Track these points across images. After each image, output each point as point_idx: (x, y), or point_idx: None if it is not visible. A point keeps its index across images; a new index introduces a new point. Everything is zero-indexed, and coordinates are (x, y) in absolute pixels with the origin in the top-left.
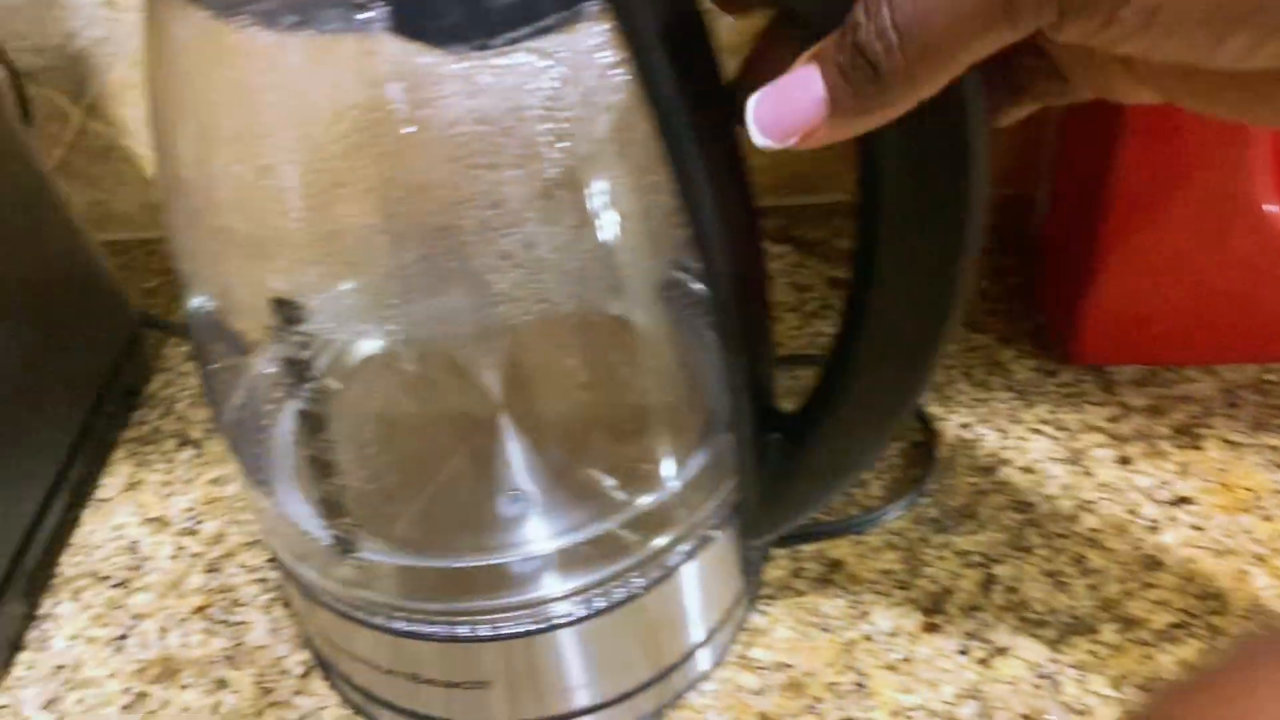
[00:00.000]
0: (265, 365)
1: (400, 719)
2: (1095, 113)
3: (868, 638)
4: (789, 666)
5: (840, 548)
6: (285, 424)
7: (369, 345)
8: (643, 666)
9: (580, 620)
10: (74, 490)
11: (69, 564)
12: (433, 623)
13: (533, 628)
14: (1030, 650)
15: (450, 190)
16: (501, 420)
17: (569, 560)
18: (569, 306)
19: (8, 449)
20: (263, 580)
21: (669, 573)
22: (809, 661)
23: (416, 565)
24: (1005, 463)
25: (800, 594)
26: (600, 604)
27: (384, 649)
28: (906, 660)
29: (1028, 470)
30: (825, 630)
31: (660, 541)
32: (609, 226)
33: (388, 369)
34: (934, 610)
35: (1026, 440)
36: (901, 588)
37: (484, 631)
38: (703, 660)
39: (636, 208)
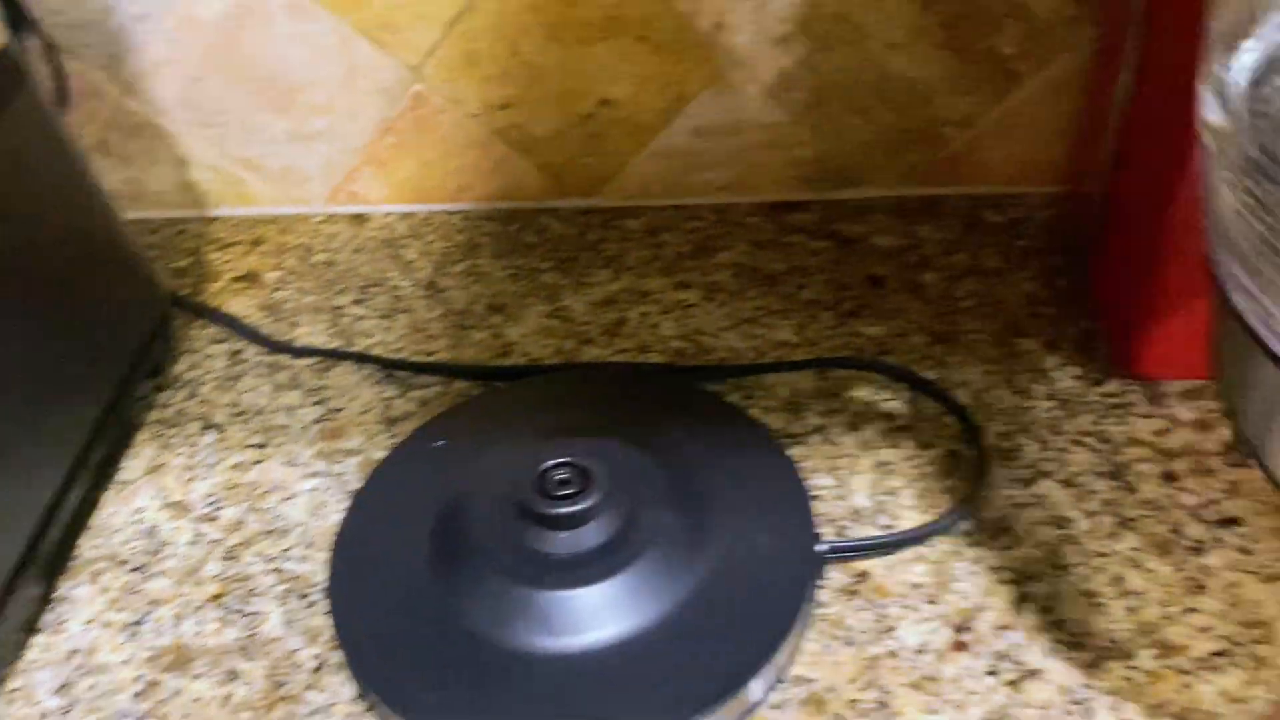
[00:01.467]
0: None
1: None
2: (1164, 107)
3: (893, 654)
4: (809, 681)
5: (867, 557)
6: None
7: None
8: None
9: None
10: (96, 471)
11: (88, 546)
12: None
13: None
14: (1063, 674)
15: None
16: None
17: None
18: None
19: (32, 428)
20: (278, 570)
21: None
22: (830, 676)
23: None
24: (1045, 475)
25: (823, 605)
26: None
27: None
28: (932, 679)
29: (1068, 484)
30: (849, 644)
31: None
32: None
33: None
34: (964, 628)
35: (1068, 452)
36: (931, 603)
37: None
38: None
39: None
